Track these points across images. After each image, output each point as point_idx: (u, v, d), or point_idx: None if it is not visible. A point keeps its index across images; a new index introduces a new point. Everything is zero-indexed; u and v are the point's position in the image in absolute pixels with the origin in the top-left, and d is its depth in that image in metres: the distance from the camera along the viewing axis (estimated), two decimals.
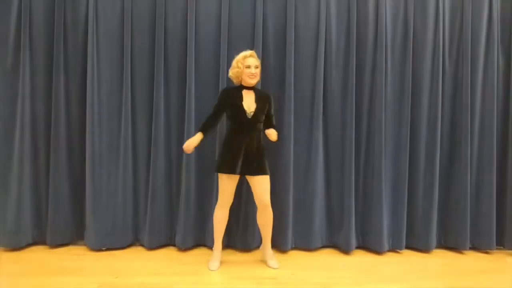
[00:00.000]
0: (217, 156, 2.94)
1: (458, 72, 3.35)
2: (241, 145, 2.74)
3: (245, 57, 2.78)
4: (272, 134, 2.77)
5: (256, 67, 2.80)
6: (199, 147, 3.14)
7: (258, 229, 2.98)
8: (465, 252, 3.32)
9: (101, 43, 3.08)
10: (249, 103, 2.79)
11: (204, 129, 2.79)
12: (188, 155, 3.09)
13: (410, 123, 3.29)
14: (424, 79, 3.29)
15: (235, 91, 2.83)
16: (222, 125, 3.12)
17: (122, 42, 3.12)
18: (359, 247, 3.31)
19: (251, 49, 2.89)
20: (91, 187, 3.06)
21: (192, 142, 2.74)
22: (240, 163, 2.73)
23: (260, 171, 2.78)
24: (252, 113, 2.76)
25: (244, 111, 2.75)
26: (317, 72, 3.19)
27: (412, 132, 3.30)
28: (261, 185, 2.78)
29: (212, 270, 2.77)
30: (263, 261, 2.94)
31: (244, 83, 2.83)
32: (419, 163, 3.31)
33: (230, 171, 2.73)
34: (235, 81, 2.87)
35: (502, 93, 3.42)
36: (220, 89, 3.11)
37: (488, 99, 3.34)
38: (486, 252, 3.35)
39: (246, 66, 2.77)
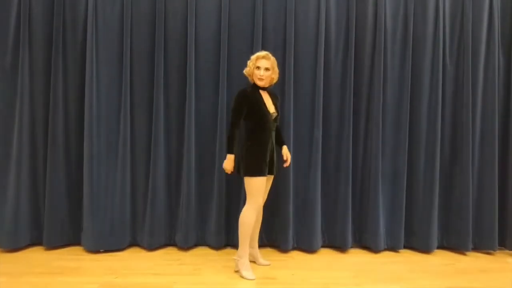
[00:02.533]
0: (247, 161, 2.63)
1: (458, 71, 3.36)
2: (269, 146, 2.69)
3: (257, 58, 2.71)
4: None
5: (267, 70, 2.69)
6: (199, 147, 3.18)
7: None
8: (466, 252, 3.30)
9: (100, 43, 3.07)
10: (269, 104, 2.73)
11: (233, 146, 2.64)
12: (188, 154, 3.10)
13: (411, 122, 3.29)
14: (424, 78, 3.29)
15: (252, 93, 2.71)
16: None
17: (121, 41, 3.10)
18: (359, 246, 3.32)
19: (252, 48, 2.85)
20: (88, 188, 3.03)
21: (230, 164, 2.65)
22: (268, 163, 2.70)
23: (274, 170, 2.77)
24: (274, 114, 2.73)
25: (268, 113, 2.68)
26: (318, 70, 3.19)
27: (412, 131, 3.30)
28: (270, 184, 2.84)
29: (252, 279, 2.62)
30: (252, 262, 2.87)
31: (256, 83, 2.74)
32: (419, 162, 3.30)
33: (266, 172, 2.66)
34: (249, 79, 2.78)
35: (502, 92, 3.42)
36: (221, 88, 3.12)
37: (489, 98, 3.34)
38: (488, 253, 3.35)
39: (256, 67, 2.70)
